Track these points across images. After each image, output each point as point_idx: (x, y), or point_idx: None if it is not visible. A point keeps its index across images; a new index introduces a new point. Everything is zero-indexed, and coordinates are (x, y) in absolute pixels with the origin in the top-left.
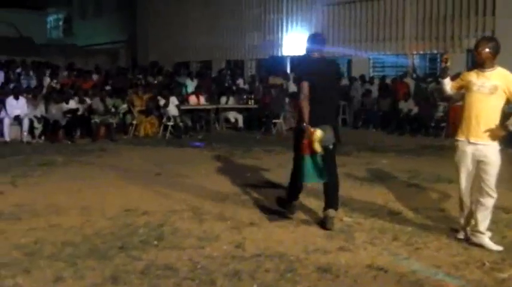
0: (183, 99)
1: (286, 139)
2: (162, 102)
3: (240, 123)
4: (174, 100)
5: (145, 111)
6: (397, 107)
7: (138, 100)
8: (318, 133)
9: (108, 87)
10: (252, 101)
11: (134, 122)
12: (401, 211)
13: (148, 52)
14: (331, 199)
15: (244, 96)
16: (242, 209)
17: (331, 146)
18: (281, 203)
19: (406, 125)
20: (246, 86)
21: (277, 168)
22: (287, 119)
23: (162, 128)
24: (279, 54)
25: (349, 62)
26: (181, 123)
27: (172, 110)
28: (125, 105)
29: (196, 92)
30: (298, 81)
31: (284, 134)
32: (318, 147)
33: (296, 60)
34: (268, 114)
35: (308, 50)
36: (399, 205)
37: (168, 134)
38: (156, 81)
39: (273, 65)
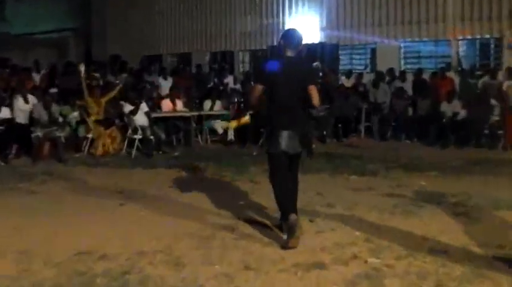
0: (154, 105)
1: None
2: (126, 108)
3: (231, 135)
4: (142, 106)
5: (104, 122)
6: (438, 111)
7: (94, 106)
8: (246, 118)
9: (53, 90)
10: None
11: (89, 135)
12: (447, 248)
13: (107, 43)
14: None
15: (235, 100)
16: (233, 250)
17: (297, 152)
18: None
19: (451, 134)
20: (238, 86)
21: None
22: None
23: (126, 143)
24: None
25: (373, 52)
26: (151, 137)
27: (141, 119)
28: (76, 114)
29: (172, 95)
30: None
31: None
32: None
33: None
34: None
35: (281, 47)
36: (444, 240)
37: (134, 151)
38: (118, 81)
39: (275, 57)
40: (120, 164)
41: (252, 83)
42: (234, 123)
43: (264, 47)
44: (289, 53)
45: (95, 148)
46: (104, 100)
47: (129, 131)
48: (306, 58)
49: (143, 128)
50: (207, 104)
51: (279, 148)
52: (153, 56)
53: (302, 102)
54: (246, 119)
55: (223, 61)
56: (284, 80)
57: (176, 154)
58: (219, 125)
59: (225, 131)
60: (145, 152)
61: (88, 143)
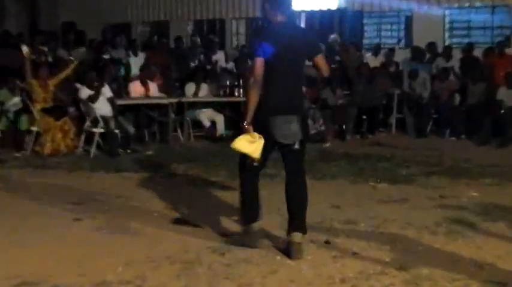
0: (121, 89)
1: None
2: (83, 93)
3: (221, 129)
4: (104, 90)
5: (53, 111)
6: (494, 98)
7: (40, 91)
8: (259, 144)
9: None
10: (241, 90)
11: (34, 128)
12: (507, 279)
13: (58, 8)
14: (297, 218)
15: (227, 83)
16: (224, 279)
17: (296, 146)
18: (236, 237)
19: (511, 129)
20: (230, 65)
21: (285, 206)
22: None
23: (83, 138)
24: None
25: (408, 21)
26: (117, 131)
27: (102, 107)
28: (16, 100)
29: (144, 76)
30: (250, 57)
31: None
32: (255, 153)
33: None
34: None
35: (266, 13)
36: (502, 268)
37: (94, 149)
38: (72, 58)
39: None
40: (75, 166)
41: (251, 57)
42: (241, 145)
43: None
44: (280, 18)
45: (42, 144)
46: (53, 82)
47: (87, 123)
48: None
49: (106, 119)
50: (190, 88)
51: (270, 137)
52: (118, 26)
53: (302, 80)
54: (258, 145)
55: (211, 33)
56: (281, 53)
57: (149, 152)
58: (205, 116)
59: (213, 123)
60: (109, 151)
61: (33, 139)
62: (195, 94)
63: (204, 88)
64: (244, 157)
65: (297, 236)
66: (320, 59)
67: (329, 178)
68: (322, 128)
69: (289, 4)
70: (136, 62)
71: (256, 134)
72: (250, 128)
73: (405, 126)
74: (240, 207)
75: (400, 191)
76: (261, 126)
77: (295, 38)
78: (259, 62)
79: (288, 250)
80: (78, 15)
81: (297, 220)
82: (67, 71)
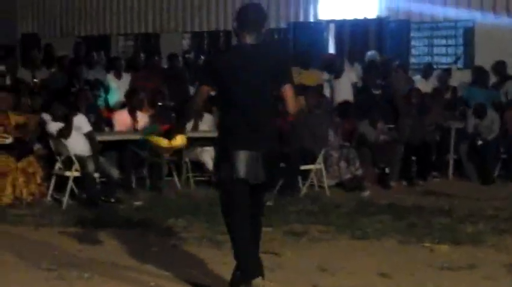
0: (101, 120)
1: (329, 207)
2: (52, 126)
3: None
4: (80, 122)
5: (14, 148)
6: None
7: None
8: (182, 138)
9: None
10: None
11: None
12: None
13: (16, 16)
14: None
15: None
16: None
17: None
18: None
19: None
20: None
21: (320, 278)
22: (331, 166)
23: (53, 183)
24: (310, 20)
25: (468, 34)
26: (96, 174)
27: (77, 143)
28: None
29: (131, 103)
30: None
31: (324, 198)
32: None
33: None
34: (291, 154)
35: (235, 32)
36: None
37: (66, 199)
38: (36, 80)
39: (298, 42)
40: (43, 219)
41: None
42: (163, 142)
43: (283, 25)
44: (249, 39)
45: (0, 191)
46: (15, 119)
47: (58, 165)
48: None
49: (82, 160)
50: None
51: (235, 174)
52: (94, 39)
53: (268, 110)
54: (182, 139)
55: (214, 47)
56: (241, 79)
57: (138, 203)
58: (208, 156)
59: None
60: (86, 200)
61: None
62: (195, 127)
63: (208, 120)
64: (228, 200)
65: (258, 281)
66: (287, 90)
67: (372, 236)
68: (359, 172)
69: (259, 25)
70: (120, 86)
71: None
72: (182, 128)
73: (465, 169)
74: (235, 258)
75: (464, 255)
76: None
77: (260, 61)
78: (202, 89)
79: None
80: (40, 26)
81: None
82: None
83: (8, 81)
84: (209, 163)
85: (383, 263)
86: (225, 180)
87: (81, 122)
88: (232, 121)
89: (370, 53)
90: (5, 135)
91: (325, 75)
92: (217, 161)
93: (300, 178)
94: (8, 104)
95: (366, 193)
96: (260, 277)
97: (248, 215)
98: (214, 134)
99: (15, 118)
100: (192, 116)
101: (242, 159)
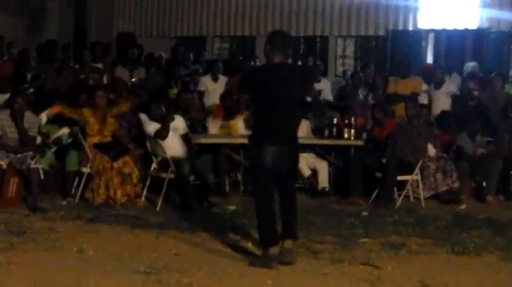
0: (198, 123)
1: (425, 219)
2: (150, 127)
3: (324, 181)
4: (177, 124)
5: (110, 148)
6: None
7: (95, 122)
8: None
9: (28, 89)
10: (351, 131)
11: (85, 169)
12: None
13: (114, 15)
14: (289, 226)
15: (334, 121)
16: None
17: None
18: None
19: None
20: (329, 97)
21: None
22: (428, 177)
23: (147, 185)
24: (409, 28)
25: None
26: (191, 177)
27: (174, 145)
28: (65, 132)
29: (227, 106)
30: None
31: (420, 210)
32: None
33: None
34: (388, 164)
35: (266, 53)
36: None
37: (161, 201)
38: (134, 80)
39: (396, 51)
40: (138, 221)
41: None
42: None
43: (381, 33)
44: (277, 59)
45: (94, 191)
46: (112, 112)
47: (153, 166)
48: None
49: (178, 162)
50: None
51: (266, 164)
52: (190, 40)
53: (293, 114)
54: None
55: (311, 54)
56: (272, 90)
57: (232, 207)
58: (304, 162)
59: (314, 172)
60: (181, 203)
61: (82, 183)
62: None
63: (305, 126)
64: (259, 182)
65: (288, 243)
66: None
67: (472, 252)
68: (456, 184)
69: (287, 47)
70: (215, 89)
71: None
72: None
73: None
74: (257, 229)
75: None
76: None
77: (287, 78)
78: (244, 96)
79: (280, 256)
80: (137, 25)
81: (288, 228)
82: (127, 103)
83: (105, 80)
84: (305, 170)
85: (486, 281)
86: (258, 168)
87: (179, 124)
88: (265, 123)
89: (472, 64)
90: (105, 133)
91: (424, 86)
92: (252, 153)
93: (395, 189)
94: (105, 103)
95: (462, 206)
96: (275, 246)
97: (273, 197)
98: (311, 141)
99: (111, 111)
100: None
101: (271, 152)
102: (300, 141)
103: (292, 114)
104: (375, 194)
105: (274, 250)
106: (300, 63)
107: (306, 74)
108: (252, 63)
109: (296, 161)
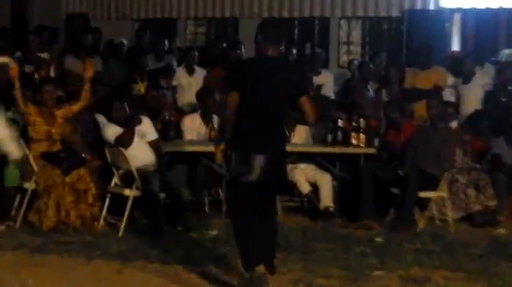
0: (170, 126)
1: (455, 246)
2: (110, 131)
3: (327, 199)
4: (145, 128)
5: (61, 158)
6: None
7: (41, 124)
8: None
9: None
10: (360, 136)
11: (29, 185)
12: None
13: None
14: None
15: (339, 122)
16: None
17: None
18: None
19: None
20: (330, 94)
21: None
22: (456, 194)
23: (106, 204)
24: (429, 7)
25: None
26: (162, 195)
27: (141, 154)
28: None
29: (205, 108)
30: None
31: (448, 234)
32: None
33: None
34: (406, 177)
35: (257, 44)
36: None
37: (124, 224)
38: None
39: (414, 36)
40: (95, 250)
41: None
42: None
43: (395, 14)
44: (271, 52)
45: (41, 212)
46: (62, 113)
47: (114, 180)
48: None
49: (145, 175)
50: None
51: (253, 177)
52: (157, 23)
53: (283, 117)
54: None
55: (308, 41)
56: (263, 88)
57: (212, 233)
58: (302, 176)
59: (315, 187)
60: (149, 226)
61: (25, 202)
62: (287, 139)
63: (303, 131)
64: (242, 200)
65: (260, 268)
66: (304, 101)
67: None
68: (492, 202)
69: (281, 39)
70: (191, 84)
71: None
72: (220, 146)
73: None
74: (240, 253)
75: None
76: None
77: (281, 74)
78: (232, 96)
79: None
80: (90, 5)
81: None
82: (84, 98)
83: (52, 72)
84: (303, 185)
85: None
86: (240, 180)
87: (146, 128)
88: (251, 126)
89: (508, 52)
90: (55, 137)
91: (450, 79)
92: (233, 162)
93: (416, 208)
94: (53, 100)
95: (501, 230)
96: (262, 265)
97: (256, 213)
98: (311, 148)
99: (61, 112)
100: (224, 126)
101: (258, 162)
102: (297, 149)
103: (283, 117)
104: (390, 215)
105: (260, 269)
106: (294, 52)
107: (303, 70)
108: (238, 51)
109: (284, 173)
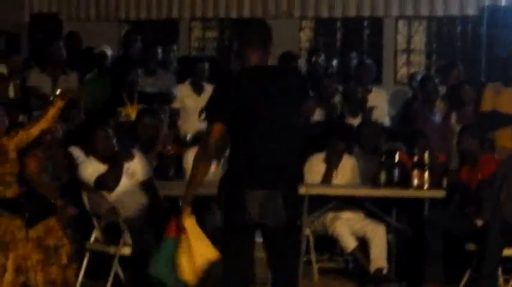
0: (169, 160)
1: None
2: (88, 169)
3: (380, 257)
4: (135, 164)
5: (21, 205)
6: None
7: None
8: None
9: None
10: (425, 175)
11: None
12: None
13: None
14: None
15: (396, 157)
16: None
17: (276, 227)
18: None
19: None
20: (385, 119)
21: None
22: None
23: (84, 265)
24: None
25: None
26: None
27: (130, 199)
28: None
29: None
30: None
31: None
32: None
33: None
34: (486, 229)
35: (238, 52)
36: None
37: None
38: (59, 91)
39: (496, 38)
40: None
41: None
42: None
43: (472, 12)
44: (255, 58)
45: None
46: (14, 143)
47: (95, 234)
48: None
49: (136, 228)
50: (316, 163)
51: (245, 217)
52: (153, 25)
53: (293, 142)
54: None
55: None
56: (260, 109)
57: None
58: (346, 228)
59: (363, 243)
60: None
61: None
62: (327, 179)
63: (348, 167)
64: (232, 233)
65: None
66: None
67: None
68: None
69: (266, 40)
70: (198, 105)
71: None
72: (187, 207)
73: None
74: None
75: None
76: (230, 204)
77: (269, 83)
78: (216, 129)
79: None
80: (63, 2)
81: None
82: (49, 118)
83: (11, 92)
84: (347, 238)
85: None
86: (234, 222)
87: (137, 164)
88: (247, 158)
89: None
90: (7, 178)
91: None
92: (227, 201)
93: (500, 270)
94: (3, 127)
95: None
96: None
97: (243, 268)
98: (357, 190)
99: (14, 141)
100: (203, 173)
101: (257, 198)
102: (340, 192)
103: (286, 142)
104: (465, 278)
105: None
106: (334, 62)
107: (304, 79)
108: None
109: (297, 211)
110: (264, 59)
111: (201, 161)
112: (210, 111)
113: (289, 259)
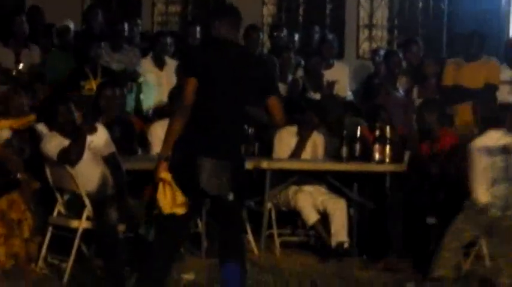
0: (132, 136)
1: None
2: (52, 144)
3: (341, 233)
4: (99, 136)
5: None
6: None
7: None
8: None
9: None
10: (386, 149)
11: None
12: None
13: None
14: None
15: (357, 132)
16: None
17: (229, 197)
18: None
19: None
20: (346, 93)
21: None
22: None
23: (47, 239)
24: None
25: None
26: (121, 227)
27: (93, 174)
28: None
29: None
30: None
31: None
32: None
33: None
34: (449, 198)
35: (213, 29)
36: None
37: (70, 265)
38: (22, 66)
39: (459, 15)
40: None
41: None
42: (165, 205)
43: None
44: (230, 37)
45: None
46: None
47: (58, 208)
48: None
49: (99, 202)
50: (284, 138)
51: (197, 185)
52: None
53: (243, 119)
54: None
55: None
56: (223, 79)
57: (187, 277)
58: (309, 202)
59: (325, 217)
60: (106, 270)
61: None
62: (296, 153)
63: (319, 142)
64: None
65: None
66: (273, 102)
67: None
68: None
69: (239, 23)
70: (161, 80)
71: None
72: (163, 160)
73: None
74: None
75: None
76: (182, 167)
77: (246, 66)
78: (190, 82)
79: None
80: None
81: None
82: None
83: None
84: (309, 212)
85: None
86: (184, 189)
87: (100, 138)
88: (203, 124)
89: None
90: None
91: (507, 73)
92: (177, 166)
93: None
94: None
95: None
96: None
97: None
98: (319, 165)
99: None
100: (179, 129)
101: (208, 167)
102: (302, 166)
103: (242, 118)
104: (426, 252)
105: None
106: (296, 37)
107: (273, 66)
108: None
109: (244, 181)
110: (237, 36)
111: (178, 116)
112: (186, 66)
113: (236, 217)
